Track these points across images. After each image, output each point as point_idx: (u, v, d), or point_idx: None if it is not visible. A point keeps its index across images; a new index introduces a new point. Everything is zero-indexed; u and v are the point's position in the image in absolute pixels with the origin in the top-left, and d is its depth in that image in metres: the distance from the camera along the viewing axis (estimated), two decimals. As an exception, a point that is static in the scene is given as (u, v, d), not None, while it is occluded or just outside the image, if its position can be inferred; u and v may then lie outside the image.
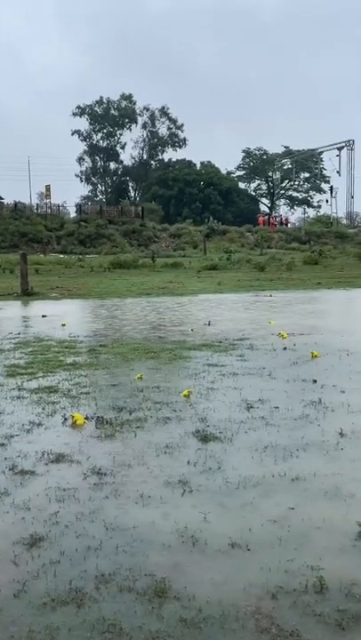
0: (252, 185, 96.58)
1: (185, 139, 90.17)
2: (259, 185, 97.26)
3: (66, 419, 5.11)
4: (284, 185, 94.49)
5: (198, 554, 2.90)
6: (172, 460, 4.17)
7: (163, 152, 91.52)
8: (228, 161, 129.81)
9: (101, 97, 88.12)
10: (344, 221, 69.71)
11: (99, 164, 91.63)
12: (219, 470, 3.96)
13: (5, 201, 57.51)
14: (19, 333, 10.11)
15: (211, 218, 62.43)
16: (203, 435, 4.65)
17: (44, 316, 12.45)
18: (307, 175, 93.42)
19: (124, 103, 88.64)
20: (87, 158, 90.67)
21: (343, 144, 70.00)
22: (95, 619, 2.38)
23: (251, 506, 3.44)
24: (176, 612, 2.43)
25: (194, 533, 3.09)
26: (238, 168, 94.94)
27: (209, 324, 10.83)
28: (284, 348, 8.33)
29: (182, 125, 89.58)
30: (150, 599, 2.52)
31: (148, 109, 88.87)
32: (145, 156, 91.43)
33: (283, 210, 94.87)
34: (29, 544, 2.99)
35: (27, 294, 17.50)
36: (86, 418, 5.09)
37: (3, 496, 3.57)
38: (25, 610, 2.45)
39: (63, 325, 10.89)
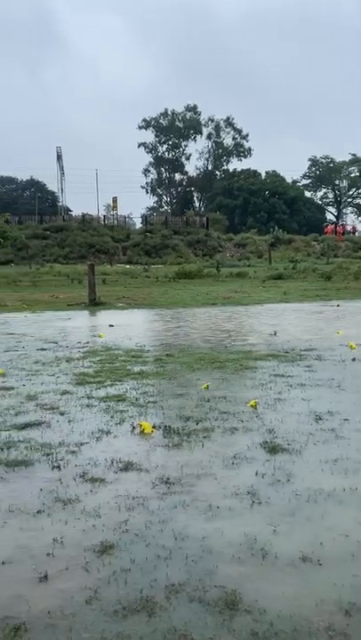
0: (319, 193, 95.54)
1: (250, 148, 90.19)
2: (325, 193, 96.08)
3: (134, 427, 5.15)
4: (351, 193, 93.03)
5: (269, 567, 2.87)
6: (239, 470, 4.14)
7: (228, 162, 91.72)
8: (293, 170, 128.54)
9: (166, 109, 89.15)
10: None
11: (164, 175, 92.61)
12: (288, 482, 3.90)
13: (74, 213, 58.91)
14: (87, 342, 10.28)
15: (276, 227, 61.98)
16: (271, 446, 4.60)
17: (111, 326, 12.62)
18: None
19: (188, 114, 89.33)
20: (153, 170, 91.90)
21: None
22: (166, 628, 2.39)
23: (321, 519, 3.38)
24: (247, 625, 2.41)
25: (263, 546, 3.06)
26: (304, 177, 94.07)
27: (275, 334, 10.73)
28: (353, 359, 8.16)
29: (247, 135, 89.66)
30: (221, 611, 2.50)
31: (212, 120, 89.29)
32: (210, 167, 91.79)
33: (350, 218, 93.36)
34: (100, 551, 3.03)
35: (94, 304, 17.80)
36: (154, 427, 5.12)
37: (74, 503, 3.63)
38: (97, 616, 2.47)
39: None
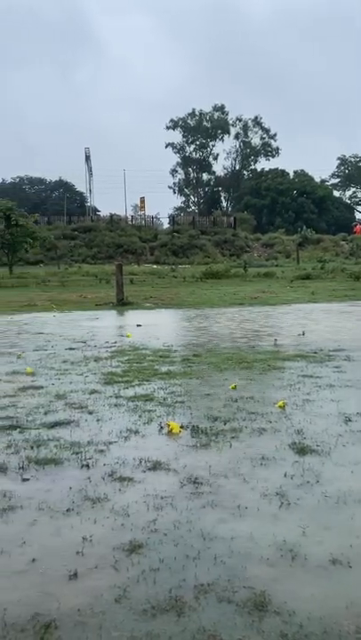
0: (348, 193, 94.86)
1: (278, 148, 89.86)
2: (354, 192, 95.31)
3: (162, 427, 5.16)
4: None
5: (298, 568, 2.85)
6: (268, 471, 4.12)
7: (255, 162, 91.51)
8: (322, 169, 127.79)
9: (193, 109, 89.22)
10: None
11: (191, 175, 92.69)
12: (317, 484, 3.87)
13: (102, 213, 59.26)
14: (115, 342, 10.33)
15: (304, 227, 61.60)
16: (299, 447, 4.57)
17: (138, 326, 12.66)
18: None
19: (216, 114, 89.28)
20: (180, 170, 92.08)
21: None
22: (195, 628, 2.39)
23: (351, 521, 3.35)
24: (277, 626, 2.39)
25: (293, 547, 3.04)
26: (333, 176, 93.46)
27: (303, 335, 10.67)
28: (383, 360, 8.07)
29: (275, 135, 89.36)
30: (250, 612, 2.49)
31: (240, 120, 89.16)
32: (237, 167, 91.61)
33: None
34: (129, 550, 3.04)
35: (122, 304, 17.89)
36: (182, 426, 5.13)
37: (103, 501, 3.65)
38: (126, 615, 2.48)
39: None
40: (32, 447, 4.68)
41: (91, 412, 5.67)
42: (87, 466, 4.27)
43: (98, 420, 5.41)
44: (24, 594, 2.66)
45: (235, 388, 6.54)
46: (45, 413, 5.67)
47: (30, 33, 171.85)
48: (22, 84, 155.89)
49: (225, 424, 5.22)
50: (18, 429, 5.16)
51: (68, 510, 3.55)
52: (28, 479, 4.05)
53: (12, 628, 2.41)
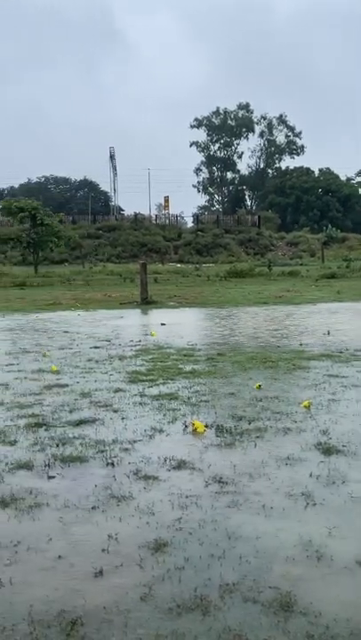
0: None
1: (303, 146, 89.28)
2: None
3: (186, 426, 5.16)
4: None
5: (324, 569, 2.83)
6: (293, 471, 4.10)
7: (280, 160, 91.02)
8: (347, 167, 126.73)
9: (218, 108, 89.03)
10: None
11: (216, 174, 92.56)
12: (343, 484, 3.84)
13: (126, 212, 59.45)
14: (139, 341, 10.36)
15: (329, 225, 61.15)
16: (325, 447, 4.54)
17: (162, 324, 12.68)
18: None
19: (241, 112, 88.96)
20: (204, 169, 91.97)
21: None
22: (221, 628, 2.38)
23: (378, 523, 3.32)
24: (303, 627, 2.38)
25: (319, 548, 3.02)
26: (359, 174, 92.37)
27: (328, 334, 10.59)
28: None
29: (300, 133, 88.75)
30: (276, 612, 2.48)
31: (265, 118, 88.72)
32: (262, 165, 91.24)
33: None
34: (154, 548, 3.04)
35: (146, 303, 17.94)
36: (206, 426, 5.12)
37: (128, 500, 3.66)
38: (151, 613, 2.49)
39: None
40: (57, 445, 4.71)
41: (115, 411, 5.69)
42: (112, 464, 4.28)
43: (123, 419, 5.42)
44: (50, 590, 2.68)
45: (259, 387, 6.51)
46: (70, 411, 5.70)
47: (56, 32, 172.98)
48: (48, 84, 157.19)
49: (250, 423, 5.20)
50: (44, 427, 5.20)
51: (93, 508, 3.56)
52: (53, 477, 4.08)
53: (39, 624, 2.43)
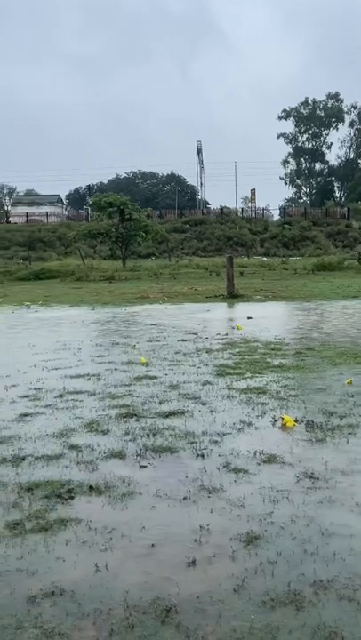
0: None
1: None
2: None
3: (276, 420, 5.12)
4: None
5: None
6: (388, 469, 3.99)
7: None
8: None
9: (306, 98, 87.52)
10: None
11: (303, 165, 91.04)
12: None
13: (212, 206, 59.50)
14: (226, 334, 10.36)
15: None
16: None
17: (249, 318, 12.62)
18: None
19: (330, 102, 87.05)
20: (292, 160, 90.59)
21: None
22: (315, 624, 2.36)
23: None
24: None
25: None
26: None
27: None
28: None
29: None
30: (372, 612, 2.43)
31: (355, 107, 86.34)
32: (352, 155, 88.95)
33: None
34: (246, 541, 3.04)
35: (232, 296, 17.89)
36: (296, 420, 5.06)
37: (218, 492, 3.68)
38: (245, 606, 2.49)
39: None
40: (148, 435, 4.79)
41: (204, 403, 5.72)
42: (202, 456, 4.31)
43: (211, 411, 5.44)
44: (145, 578, 2.73)
45: (350, 382, 6.37)
46: (160, 403, 5.78)
47: (152, 27, 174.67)
48: (140, 80, 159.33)
49: (341, 419, 5.10)
50: (134, 417, 5.30)
51: (184, 498, 3.60)
52: (145, 466, 4.15)
53: (135, 609, 2.48)
